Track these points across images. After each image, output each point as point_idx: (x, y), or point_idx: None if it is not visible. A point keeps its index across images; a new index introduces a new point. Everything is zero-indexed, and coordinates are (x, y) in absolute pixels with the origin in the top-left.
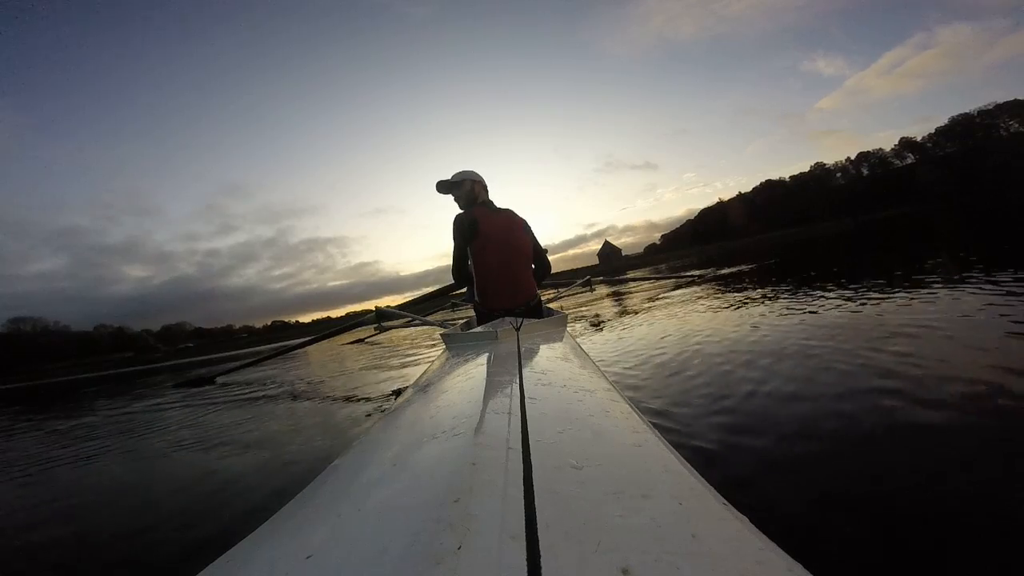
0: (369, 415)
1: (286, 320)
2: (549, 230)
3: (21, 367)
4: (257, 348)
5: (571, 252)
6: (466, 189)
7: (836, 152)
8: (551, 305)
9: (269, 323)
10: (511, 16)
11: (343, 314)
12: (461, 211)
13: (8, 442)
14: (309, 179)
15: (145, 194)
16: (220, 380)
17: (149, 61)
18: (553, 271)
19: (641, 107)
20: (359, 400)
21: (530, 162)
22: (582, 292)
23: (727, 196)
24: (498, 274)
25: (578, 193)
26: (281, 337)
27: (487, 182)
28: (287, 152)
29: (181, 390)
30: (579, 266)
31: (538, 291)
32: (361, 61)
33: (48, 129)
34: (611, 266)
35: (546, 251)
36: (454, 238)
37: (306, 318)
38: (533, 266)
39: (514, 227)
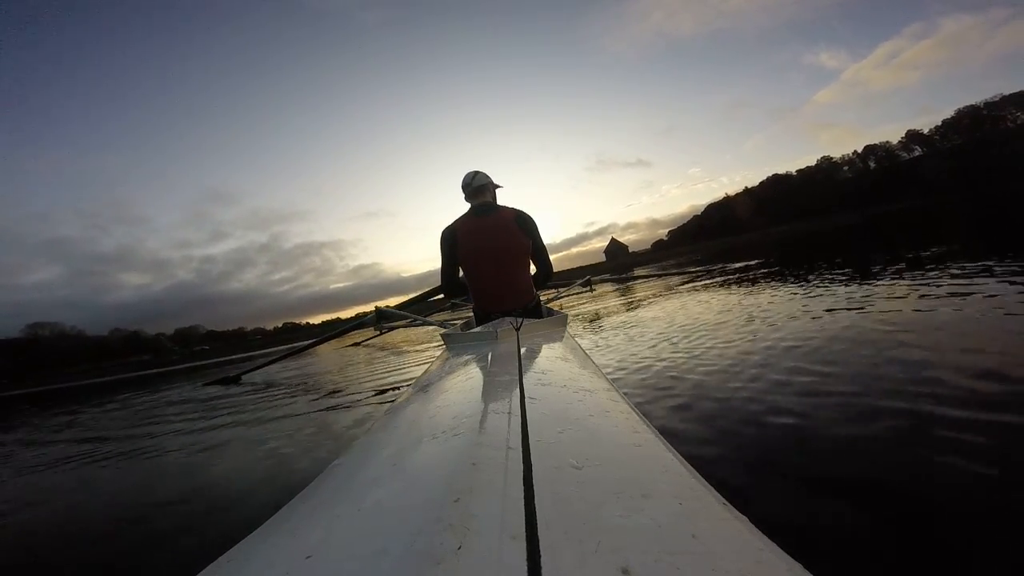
0: (369, 415)
1: (296, 322)
2: (549, 229)
3: (43, 371)
4: (269, 349)
5: (574, 250)
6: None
7: (837, 145)
8: (551, 305)
9: (280, 325)
10: (504, 16)
11: (352, 315)
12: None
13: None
14: (294, 185)
15: (130, 203)
16: (243, 379)
17: (121, 71)
18: (557, 271)
19: (635, 104)
20: (359, 400)
21: (522, 160)
22: (582, 292)
23: (733, 191)
24: (488, 281)
25: (572, 191)
26: (293, 338)
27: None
28: (269, 158)
29: (211, 388)
30: (584, 264)
31: (536, 292)
32: (338, 70)
33: (28, 143)
34: (618, 263)
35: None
36: (441, 251)
37: (316, 319)
38: (534, 267)
39: (502, 230)
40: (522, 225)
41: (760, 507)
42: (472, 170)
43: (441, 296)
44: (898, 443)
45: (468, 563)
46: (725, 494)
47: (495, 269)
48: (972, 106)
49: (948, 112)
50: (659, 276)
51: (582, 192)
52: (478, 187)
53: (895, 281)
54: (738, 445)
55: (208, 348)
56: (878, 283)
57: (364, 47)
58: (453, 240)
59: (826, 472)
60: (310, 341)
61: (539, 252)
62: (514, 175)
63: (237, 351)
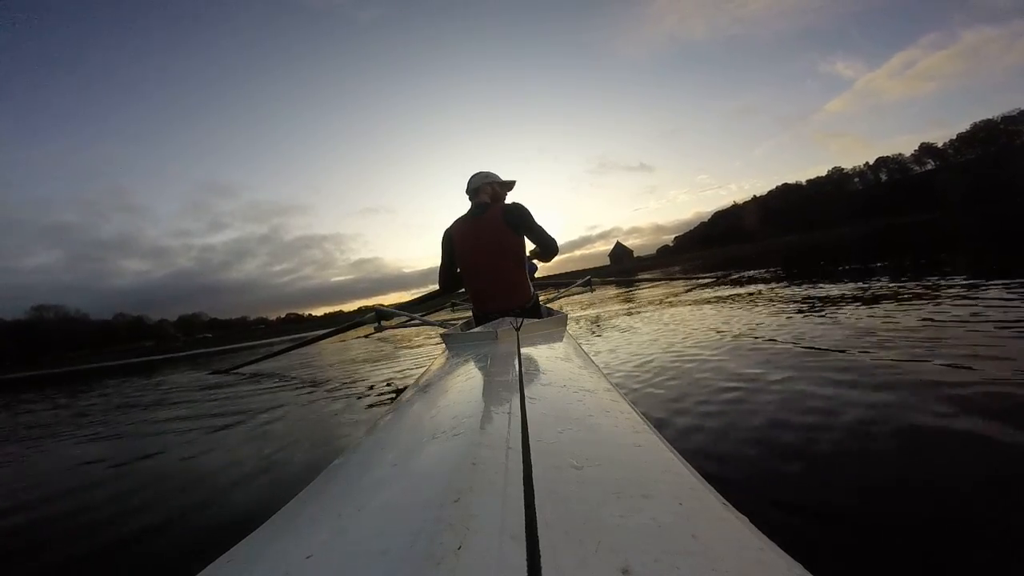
0: (369, 415)
1: (300, 313)
2: (550, 230)
3: (49, 353)
4: (271, 339)
5: (577, 253)
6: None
7: (847, 155)
8: (551, 305)
9: (283, 315)
10: (510, 15)
11: (354, 308)
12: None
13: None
14: (294, 180)
15: (129, 192)
16: (239, 372)
17: (122, 65)
18: (558, 272)
19: (642, 108)
20: (359, 399)
21: (522, 159)
22: (582, 292)
23: (741, 199)
24: (483, 281)
25: (573, 193)
26: (296, 329)
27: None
28: (270, 154)
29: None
30: (588, 267)
31: (535, 292)
32: (339, 70)
33: (29, 131)
34: (623, 267)
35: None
36: (441, 252)
37: (318, 311)
38: (535, 260)
39: (492, 231)
40: (510, 220)
41: (760, 508)
42: (480, 172)
43: (440, 296)
44: (897, 447)
45: (468, 563)
46: (725, 494)
47: (489, 269)
48: (989, 120)
49: (963, 126)
50: (664, 280)
51: (583, 194)
52: (474, 189)
53: (895, 290)
54: (738, 444)
55: (211, 336)
56: (878, 291)
57: (365, 47)
58: (450, 243)
59: (826, 475)
60: (308, 337)
61: (536, 234)
62: (513, 174)
63: (240, 340)
